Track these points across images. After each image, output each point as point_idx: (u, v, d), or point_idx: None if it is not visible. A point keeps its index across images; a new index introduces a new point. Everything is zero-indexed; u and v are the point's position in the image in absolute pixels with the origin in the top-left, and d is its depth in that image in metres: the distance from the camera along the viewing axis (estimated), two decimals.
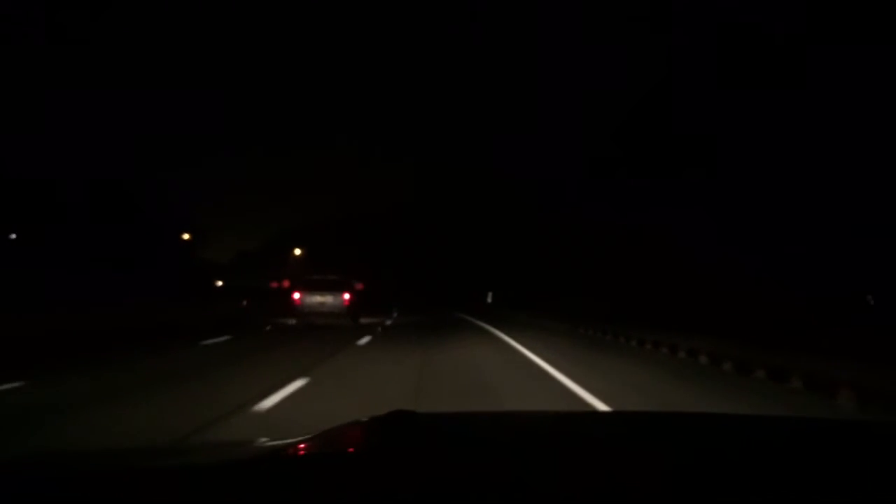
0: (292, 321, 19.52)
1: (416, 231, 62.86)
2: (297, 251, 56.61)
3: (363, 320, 20.77)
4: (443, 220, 58.78)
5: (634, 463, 1.28)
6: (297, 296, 19.74)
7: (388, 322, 22.65)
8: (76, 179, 36.96)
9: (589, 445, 1.52)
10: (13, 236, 34.26)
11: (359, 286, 20.92)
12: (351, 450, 1.55)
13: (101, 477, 1.23)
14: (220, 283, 54.02)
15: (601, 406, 6.46)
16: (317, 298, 19.38)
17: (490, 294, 21.46)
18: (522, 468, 1.21)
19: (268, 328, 18.76)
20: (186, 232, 48.13)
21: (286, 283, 25.50)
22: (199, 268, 52.13)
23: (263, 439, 1.80)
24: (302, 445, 1.47)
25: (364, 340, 14.31)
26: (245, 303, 32.75)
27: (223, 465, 1.32)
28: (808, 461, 1.33)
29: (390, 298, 41.99)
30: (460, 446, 1.50)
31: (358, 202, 72.07)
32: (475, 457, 1.35)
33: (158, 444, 4.17)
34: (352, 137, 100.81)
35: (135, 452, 1.87)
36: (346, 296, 19.47)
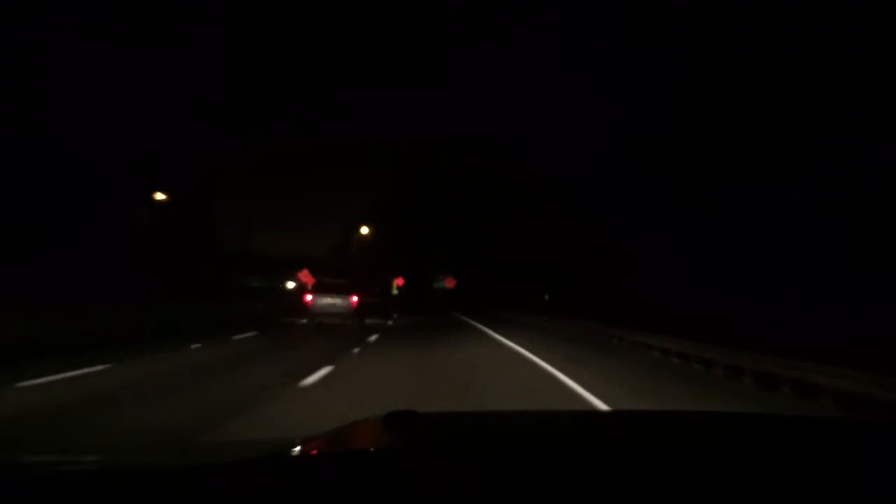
0: (303, 321, 21.24)
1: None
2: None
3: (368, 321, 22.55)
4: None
5: (633, 462, 1.30)
6: (309, 297, 21.78)
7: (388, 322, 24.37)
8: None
9: (588, 445, 1.55)
10: None
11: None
12: (352, 450, 1.57)
13: (103, 477, 1.28)
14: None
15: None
16: (327, 300, 21.37)
17: None
18: (522, 468, 1.23)
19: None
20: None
21: (309, 281, 26.42)
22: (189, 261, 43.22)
23: (264, 439, 1.94)
24: (303, 446, 1.51)
25: (373, 337, 16.35)
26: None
27: (224, 466, 1.33)
28: (806, 460, 1.36)
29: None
30: (460, 446, 1.53)
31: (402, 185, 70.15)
32: (475, 457, 1.37)
33: (165, 443, 4.46)
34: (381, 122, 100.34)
35: (142, 452, 1.91)
36: (354, 298, 21.52)
